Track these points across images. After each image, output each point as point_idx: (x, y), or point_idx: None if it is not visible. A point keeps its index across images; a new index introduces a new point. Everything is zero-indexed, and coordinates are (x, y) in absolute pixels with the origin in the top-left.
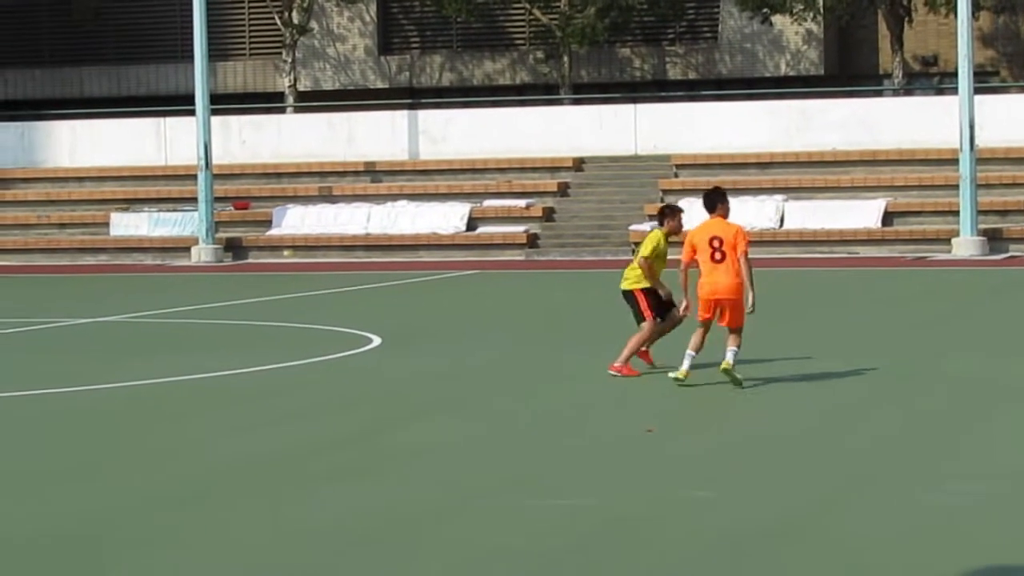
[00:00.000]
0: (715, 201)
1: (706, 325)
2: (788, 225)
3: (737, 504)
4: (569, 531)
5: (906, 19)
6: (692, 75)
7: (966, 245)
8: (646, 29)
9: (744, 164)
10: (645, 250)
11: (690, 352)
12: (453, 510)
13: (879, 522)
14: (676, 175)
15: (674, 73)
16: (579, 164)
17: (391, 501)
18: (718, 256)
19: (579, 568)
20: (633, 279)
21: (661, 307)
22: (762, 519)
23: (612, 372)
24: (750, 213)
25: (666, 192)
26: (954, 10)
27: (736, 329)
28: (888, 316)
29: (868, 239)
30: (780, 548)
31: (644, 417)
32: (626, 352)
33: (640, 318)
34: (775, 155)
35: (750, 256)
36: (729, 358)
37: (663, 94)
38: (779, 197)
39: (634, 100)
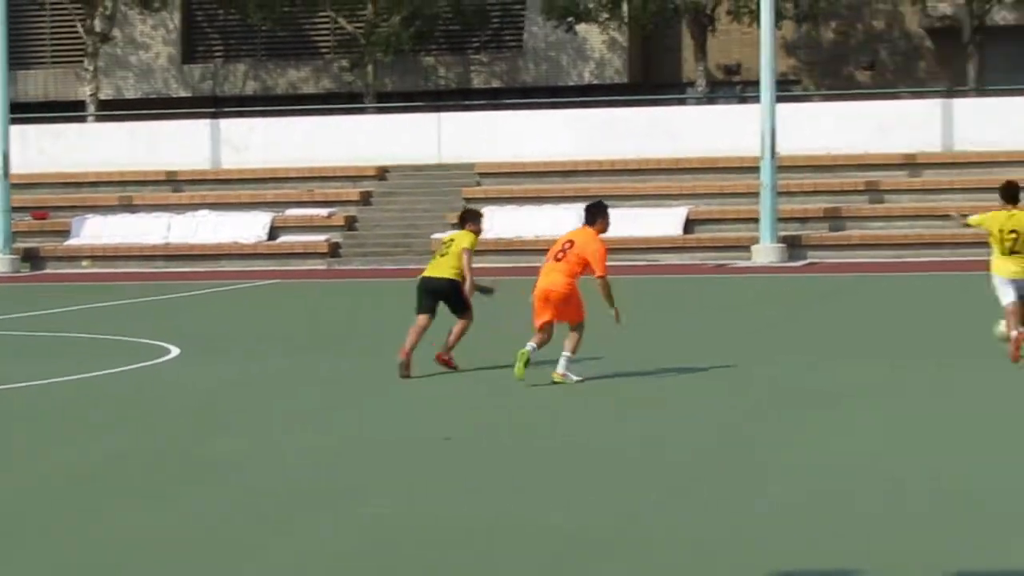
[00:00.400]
0: (595, 216)
1: (546, 329)
2: None
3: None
4: (384, 538)
5: (709, 28)
6: (496, 83)
7: (766, 252)
8: (451, 38)
9: (547, 172)
10: (467, 242)
11: (532, 344)
12: (264, 519)
13: (700, 526)
14: (479, 183)
15: (478, 82)
16: (382, 173)
17: (199, 513)
18: (559, 256)
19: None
20: (454, 270)
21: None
22: (595, 527)
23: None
24: (552, 221)
25: (469, 200)
26: (757, 19)
27: (574, 326)
28: (689, 323)
29: (671, 246)
30: (610, 554)
31: (461, 421)
32: (452, 340)
33: (461, 309)
34: (578, 163)
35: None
36: (559, 367)
37: (467, 103)
38: (582, 205)
39: (438, 109)
